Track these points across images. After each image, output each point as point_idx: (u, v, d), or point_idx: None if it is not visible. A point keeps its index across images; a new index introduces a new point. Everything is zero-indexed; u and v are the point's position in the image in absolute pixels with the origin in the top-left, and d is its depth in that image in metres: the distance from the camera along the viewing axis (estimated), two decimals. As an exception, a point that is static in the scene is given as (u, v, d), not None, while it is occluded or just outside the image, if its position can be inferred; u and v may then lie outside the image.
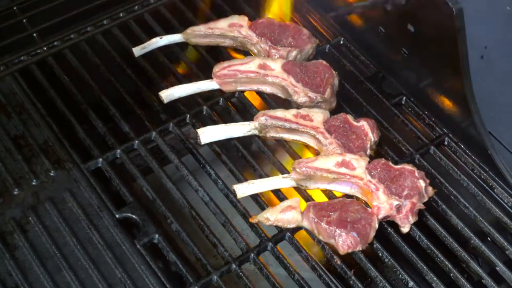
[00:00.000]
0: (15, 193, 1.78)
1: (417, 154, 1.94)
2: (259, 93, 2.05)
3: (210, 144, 1.92)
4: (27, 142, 1.88)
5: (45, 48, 2.12)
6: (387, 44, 2.10)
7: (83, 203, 1.76)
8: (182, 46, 2.16)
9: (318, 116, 1.91)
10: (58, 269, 1.64)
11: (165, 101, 1.99)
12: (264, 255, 1.74)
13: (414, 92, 2.07)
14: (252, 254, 1.72)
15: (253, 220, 1.75)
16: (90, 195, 1.78)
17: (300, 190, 1.84)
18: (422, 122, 2.03)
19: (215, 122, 1.97)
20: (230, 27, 2.10)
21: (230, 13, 2.25)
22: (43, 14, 2.18)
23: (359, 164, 1.80)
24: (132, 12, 2.23)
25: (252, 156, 1.90)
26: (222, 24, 2.11)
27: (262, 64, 2.00)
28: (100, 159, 1.87)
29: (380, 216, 1.74)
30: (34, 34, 2.15)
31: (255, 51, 2.09)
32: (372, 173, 1.78)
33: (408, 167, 1.80)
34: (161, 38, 2.11)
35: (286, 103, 2.02)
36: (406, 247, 1.75)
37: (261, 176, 1.85)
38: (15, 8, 2.21)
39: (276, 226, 1.76)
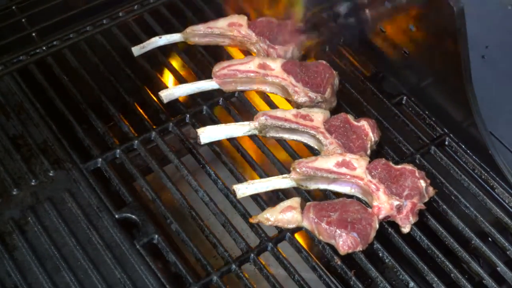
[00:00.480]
0: (14, 193, 1.77)
1: (418, 154, 1.94)
2: (259, 93, 2.04)
3: (210, 144, 1.91)
4: (26, 142, 1.88)
5: (44, 48, 2.11)
6: (388, 43, 2.09)
7: (82, 203, 1.76)
8: (181, 45, 2.15)
9: (318, 116, 1.91)
10: (57, 270, 1.64)
11: (165, 100, 1.98)
12: (264, 255, 1.73)
13: (415, 92, 2.07)
14: (252, 255, 1.71)
15: (253, 220, 1.74)
16: (89, 195, 1.77)
17: (300, 190, 1.83)
18: (422, 122, 2.03)
19: (215, 122, 1.97)
20: (230, 27, 2.10)
21: (231, 13, 2.24)
22: (42, 13, 2.18)
23: (360, 164, 1.79)
24: (131, 11, 2.23)
25: (252, 156, 1.89)
26: (221, 24, 2.11)
27: (262, 64, 1.99)
28: (100, 159, 1.86)
29: (381, 216, 1.74)
30: (33, 34, 2.14)
31: (255, 50, 2.09)
32: (373, 173, 1.77)
33: (409, 167, 1.80)
34: (160, 37, 2.11)
35: (286, 103, 2.02)
36: (406, 247, 1.74)
37: (261, 176, 1.84)
38: (14, 7, 2.20)
39: (276, 227, 1.76)
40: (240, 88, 2.02)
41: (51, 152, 1.86)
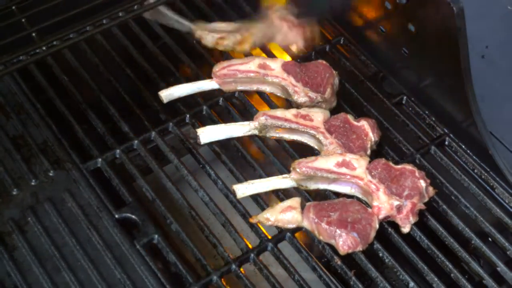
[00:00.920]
0: (14, 193, 1.77)
1: (418, 154, 1.94)
2: (259, 93, 2.04)
3: (210, 144, 1.91)
4: (26, 142, 1.87)
5: (44, 48, 2.10)
6: (388, 43, 2.09)
7: (82, 203, 1.75)
8: (182, 45, 2.15)
9: (318, 116, 1.91)
10: (57, 270, 1.64)
11: (165, 100, 1.98)
12: (264, 255, 1.73)
13: (415, 92, 2.07)
14: (252, 255, 1.71)
15: (253, 220, 1.74)
16: (89, 195, 1.77)
17: (300, 190, 1.83)
18: (422, 122, 2.03)
19: (215, 122, 1.96)
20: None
21: (230, 13, 2.24)
22: (42, 13, 2.17)
23: (360, 164, 1.79)
24: (131, 11, 2.22)
25: (252, 156, 1.89)
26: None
27: (262, 64, 1.99)
28: (100, 159, 1.86)
29: (381, 216, 1.74)
30: (33, 34, 2.13)
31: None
32: (373, 173, 1.77)
33: (409, 167, 1.80)
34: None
35: (287, 103, 2.02)
36: (406, 247, 1.74)
37: (261, 176, 1.84)
38: (13, 7, 2.19)
39: (276, 227, 1.76)
40: (240, 88, 2.02)
41: (51, 152, 1.86)
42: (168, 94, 1.98)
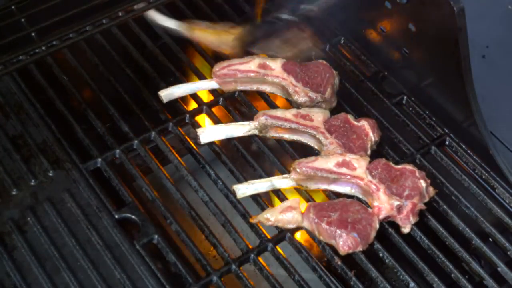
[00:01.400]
0: (14, 193, 1.77)
1: (418, 154, 1.94)
2: (259, 93, 2.04)
3: (210, 144, 1.91)
4: (26, 142, 1.87)
5: (43, 48, 2.10)
6: (388, 43, 2.09)
7: (82, 203, 1.75)
8: (181, 45, 2.15)
9: (319, 115, 1.90)
10: (57, 270, 1.63)
11: (165, 100, 1.98)
12: (264, 255, 1.73)
13: (415, 92, 2.06)
14: (252, 255, 1.71)
15: (253, 220, 1.74)
16: (89, 196, 1.77)
17: (300, 190, 1.83)
18: (423, 122, 2.03)
19: (215, 122, 1.96)
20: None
21: (230, 13, 2.24)
22: (42, 13, 2.17)
23: (360, 164, 1.79)
24: (131, 11, 2.22)
25: (252, 156, 1.89)
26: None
27: (262, 64, 1.99)
28: (99, 159, 1.86)
29: (381, 217, 1.73)
30: (33, 34, 2.13)
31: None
32: (373, 173, 1.77)
33: (409, 167, 1.80)
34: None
35: (287, 103, 2.01)
36: (407, 247, 1.74)
37: (261, 176, 1.84)
38: (13, 7, 2.19)
39: (276, 227, 1.75)
40: (240, 88, 2.02)
41: (51, 152, 1.85)
42: (168, 93, 1.98)
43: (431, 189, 1.80)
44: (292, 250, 1.75)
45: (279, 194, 1.82)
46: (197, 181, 1.83)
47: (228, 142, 1.92)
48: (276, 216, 1.73)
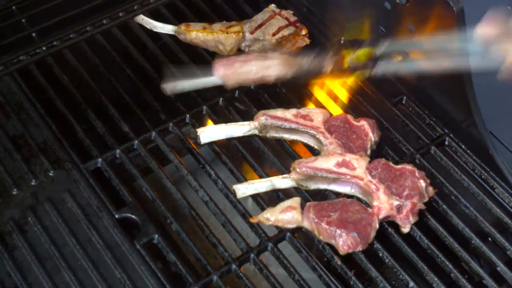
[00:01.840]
0: (14, 193, 1.77)
1: (418, 154, 1.94)
2: (259, 93, 2.04)
3: (210, 144, 1.91)
4: (26, 142, 1.88)
5: (44, 48, 2.11)
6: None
7: (82, 203, 1.76)
8: (182, 45, 2.15)
9: (318, 116, 1.91)
10: (57, 270, 1.64)
11: (168, 92, 1.97)
12: (264, 255, 1.73)
13: (415, 92, 2.07)
14: (252, 255, 1.71)
15: (253, 220, 1.74)
16: (89, 195, 1.77)
17: (300, 190, 1.83)
18: (422, 122, 2.03)
19: (215, 122, 1.96)
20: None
21: (230, 13, 2.24)
22: (42, 13, 2.18)
23: (360, 164, 1.79)
24: (131, 11, 2.22)
25: (252, 156, 1.89)
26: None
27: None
28: (100, 159, 1.86)
29: (381, 216, 1.74)
30: (33, 34, 2.14)
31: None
32: (373, 173, 1.77)
33: (409, 167, 1.80)
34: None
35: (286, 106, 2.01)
36: (406, 247, 1.74)
37: (261, 176, 1.84)
38: (14, 7, 2.20)
39: (276, 227, 1.76)
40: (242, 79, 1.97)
41: (51, 152, 1.86)
42: (172, 86, 1.96)
43: (430, 189, 1.80)
44: (292, 250, 1.75)
45: (279, 194, 1.82)
46: (197, 181, 1.83)
47: (228, 142, 1.92)
48: (276, 216, 1.73)
